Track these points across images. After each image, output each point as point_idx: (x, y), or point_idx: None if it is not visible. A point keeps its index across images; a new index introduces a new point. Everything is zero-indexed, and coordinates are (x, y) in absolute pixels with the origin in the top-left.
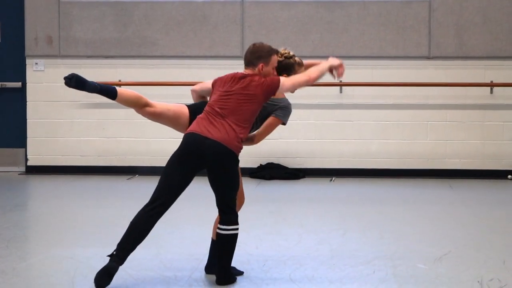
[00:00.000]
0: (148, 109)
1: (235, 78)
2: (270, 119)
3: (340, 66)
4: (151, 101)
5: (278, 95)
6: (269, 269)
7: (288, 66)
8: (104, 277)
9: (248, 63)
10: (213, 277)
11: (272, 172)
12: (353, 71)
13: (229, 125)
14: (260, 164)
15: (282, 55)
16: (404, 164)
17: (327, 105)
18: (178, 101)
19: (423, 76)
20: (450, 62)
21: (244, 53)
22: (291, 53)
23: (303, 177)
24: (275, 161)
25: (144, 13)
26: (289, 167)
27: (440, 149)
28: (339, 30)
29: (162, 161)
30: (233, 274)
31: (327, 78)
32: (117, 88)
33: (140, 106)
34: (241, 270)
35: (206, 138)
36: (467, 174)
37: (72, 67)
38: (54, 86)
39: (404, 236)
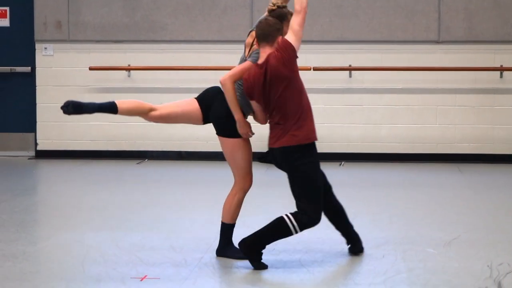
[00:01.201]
0: (153, 113)
1: (260, 78)
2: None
3: None
4: (155, 105)
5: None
6: (279, 253)
7: (281, 15)
8: None
9: (265, 38)
10: (223, 260)
11: None
12: (362, 56)
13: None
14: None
15: (274, 4)
16: (413, 149)
17: (336, 89)
18: (186, 84)
19: (433, 60)
20: (460, 47)
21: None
22: (282, 3)
23: None
24: None
25: None
26: None
27: (450, 134)
28: (348, 14)
29: (172, 146)
30: (256, 255)
31: (336, 62)
32: (116, 101)
33: (145, 112)
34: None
35: None
36: (476, 158)
37: (81, 52)
38: (63, 71)
39: (413, 221)
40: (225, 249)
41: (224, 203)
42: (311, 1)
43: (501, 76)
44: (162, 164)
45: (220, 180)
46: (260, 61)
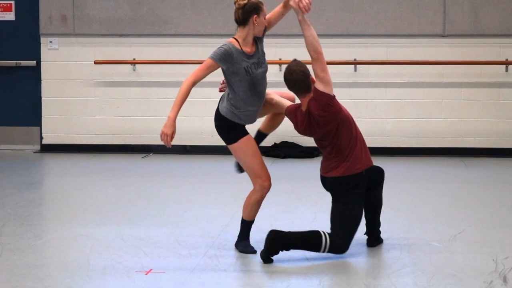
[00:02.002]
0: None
1: (308, 123)
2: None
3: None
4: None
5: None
6: None
7: (255, 6)
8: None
9: (300, 91)
10: (227, 254)
11: (286, 150)
12: (367, 49)
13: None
14: (275, 143)
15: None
16: (419, 143)
17: (341, 83)
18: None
19: (438, 54)
20: (465, 40)
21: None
22: None
23: (317, 155)
24: (289, 139)
25: None
26: (303, 145)
27: (455, 127)
28: (354, 8)
29: (177, 140)
30: (273, 250)
31: (341, 56)
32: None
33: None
34: (256, 249)
35: None
36: (481, 152)
37: (86, 46)
38: (68, 65)
39: (418, 215)
40: (239, 242)
41: (245, 201)
42: None
43: (506, 69)
44: (167, 158)
45: (224, 174)
46: (303, 109)
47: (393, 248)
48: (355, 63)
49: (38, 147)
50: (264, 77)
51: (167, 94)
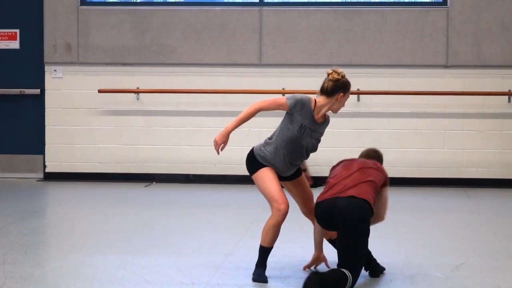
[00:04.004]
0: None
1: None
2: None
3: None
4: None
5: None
6: (286, 277)
7: (345, 86)
8: None
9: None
10: (229, 284)
11: None
12: (370, 80)
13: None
14: None
15: (339, 73)
16: (421, 173)
17: (344, 113)
18: (195, 107)
19: (441, 84)
20: (468, 71)
21: (261, 60)
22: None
23: (321, 185)
24: None
25: (162, 21)
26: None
27: (458, 158)
28: (357, 38)
29: (180, 169)
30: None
31: None
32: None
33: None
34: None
35: None
36: (484, 183)
37: (90, 74)
38: (72, 93)
39: (421, 245)
40: (255, 270)
41: (264, 226)
42: (319, 25)
43: (509, 100)
44: (170, 187)
45: (228, 203)
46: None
47: (395, 279)
48: (358, 93)
49: (41, 175)
50: (307, 147)
51: (170, 123)
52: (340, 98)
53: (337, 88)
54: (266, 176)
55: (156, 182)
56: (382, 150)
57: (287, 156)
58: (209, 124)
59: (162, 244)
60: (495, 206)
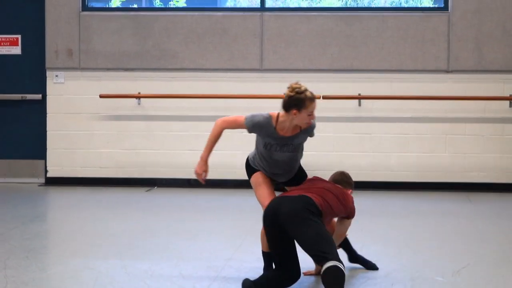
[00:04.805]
0: None
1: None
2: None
3: None
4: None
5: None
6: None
7: (298, 103)
8: None
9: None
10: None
11: None
12: (371, 85)
13: None
14: None
15: (293, 89)
16: (423, 177)
17: (345, 118)
18: (196, 112)
19: (442, 89)
20: (469, 76)
21: (262, 65)
22: (303, 87)
23: None
24: None
25: (164, 26)
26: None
27: (459, 162)
28: (358, 43)
29: (182, 173)
30: None
31: (346, 91)
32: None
33: None
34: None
35: None
36: (486, 187)
37: (92, 80)
38: (74, 98)
39: (422, 249)
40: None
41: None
42: (320, 31)
43: (510, 105)
44: (171, 192)
45: (229, 207)
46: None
47: (397, 283)
48: (359, 97)
49: (43, 180)
50: (283, 161)
51: (171, 127)
52: (295, 114)
53: (290, 105)
54: (257, 180)
55: (157, 187)
56: (383, 155)
57: (266, 167)
58: (211, 129)
59: (163, 249)
60: (497, 210)
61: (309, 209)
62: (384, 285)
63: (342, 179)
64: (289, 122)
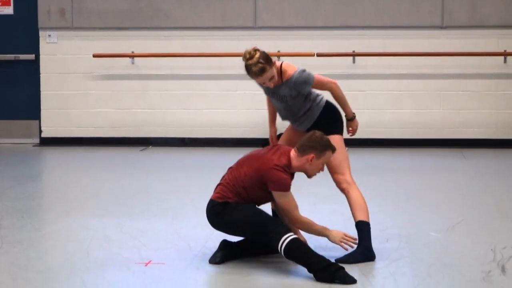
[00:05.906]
0: None
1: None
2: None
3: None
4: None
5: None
6: None
7: (247, 71)
8: None
9: (299, 148)
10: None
11: None
12: (365, 42)
13: None
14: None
15: (244, 55)
16: (417, 134)
17: (339, 75)
18: (190, 71)
19: (436, 45)
20: (463, 32)
21: (256, 23)
22: (249, 59)
23: None
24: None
25: None
26: None
27: (453, 119)
28: (352, 0)
29: (176, 132)
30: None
31: (340, 48)
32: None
33: None
34: None
35: None
36: (480, 143)
37: (85, 39)
38: (67, 58)
39: (417, 205)
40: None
41: None
42: None
43: (504, 61)
44: (166, 151)
45: (223, 166)
46: None
47: (392, 239)
48: (354, 54)
49: (37, 140)
50: (284, 108)
51: (166, 86)
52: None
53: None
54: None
55: (152, 146)
56: (378, 112)
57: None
58: (205, 87)
59: (158, 207)
60: (491, 166)
61: (214, 212)
62: (379, 240)
63: (303, 143)
64: (271, 73)
